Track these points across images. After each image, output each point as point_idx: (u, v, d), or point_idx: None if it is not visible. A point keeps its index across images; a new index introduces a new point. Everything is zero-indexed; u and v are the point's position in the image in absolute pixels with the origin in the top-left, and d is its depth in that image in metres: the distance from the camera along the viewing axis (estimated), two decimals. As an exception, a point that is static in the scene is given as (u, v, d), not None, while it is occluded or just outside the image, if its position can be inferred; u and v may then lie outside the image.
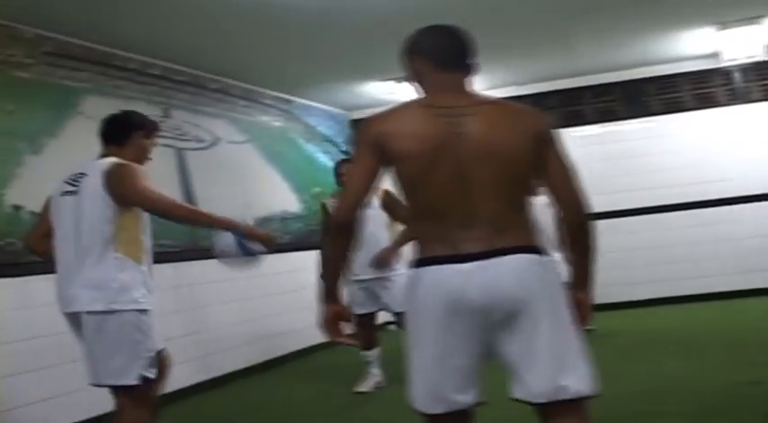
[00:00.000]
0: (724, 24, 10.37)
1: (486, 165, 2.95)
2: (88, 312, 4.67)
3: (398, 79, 10.54)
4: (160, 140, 8.55)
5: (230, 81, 10.26)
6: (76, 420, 7.05)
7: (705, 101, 12.22)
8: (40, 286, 6.39)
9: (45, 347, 6.82)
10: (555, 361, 2.92)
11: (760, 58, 11.34)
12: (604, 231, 11.88)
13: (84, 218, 4.76)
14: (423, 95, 3.17)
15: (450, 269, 2.93)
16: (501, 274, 2.91)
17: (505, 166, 2.96)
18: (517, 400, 3.01)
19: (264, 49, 9.05)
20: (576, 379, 2.94)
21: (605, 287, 11.78)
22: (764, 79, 12.04)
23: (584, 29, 9.94)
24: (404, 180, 3.04)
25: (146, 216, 4.99)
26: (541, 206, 10.30)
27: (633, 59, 11.80)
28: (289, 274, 10.28)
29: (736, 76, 12.10)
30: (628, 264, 12.10)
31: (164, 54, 8.80)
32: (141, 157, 5.15)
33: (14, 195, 6.91)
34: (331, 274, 3.17)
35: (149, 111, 8.39)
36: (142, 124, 5.18)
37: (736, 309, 10.78)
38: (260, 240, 4.98)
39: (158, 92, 8.90)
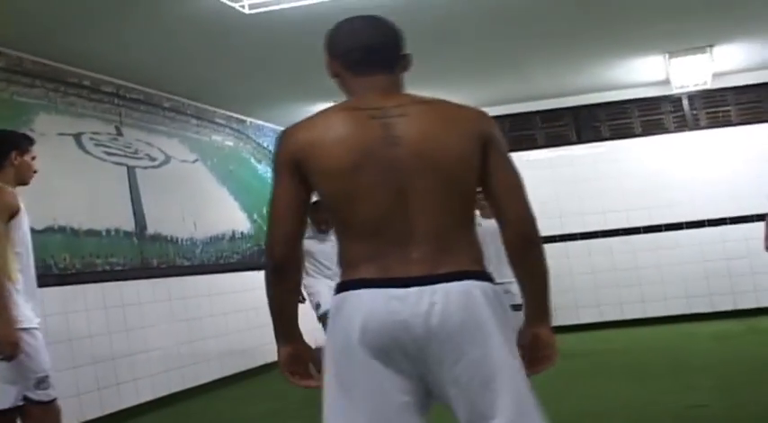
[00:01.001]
0: (673, 53, 10.55)
1: (423, 173, 2.51)
2: None
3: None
4: (112, 158, 8.63)
5: (183, 100, 10.25)
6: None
7: (654, 127, 12.38)
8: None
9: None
10: (520, 402, 2.49)
11: (708, 85, 11.51)
12: (552, 255, 12.05)
13: None
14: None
15: (383, 294, 2.47)
16: (446, 303, 2.45)
17: (446, 174, 2.53)
18: None
19: (218, 68, 9.06)
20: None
21: (553, 310, 11.92)
22: (712, 106, 12.22)
23: (536, 55, 10.04)
24: (329, 194, 2.58)
25: (21, 232, 4.86)
26: (496, 228, 10.23)
27: (584, 85, 11.93)
28: (236, 294, 10.25)
29: (685, 103, 12.27)
30: (574, 287, 12.20)
31: (117, 72, 8.77)
32: (25, 176, 5.04)
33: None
34: (277, 317, 2.72)
35: (102, 128, 8.41)
36: (16, 143, 5.06)
37: (681, 333, 10.89)
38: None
39: (111, 109, 8.86)
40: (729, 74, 11.74)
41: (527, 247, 2.65)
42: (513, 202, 2.63)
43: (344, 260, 2.62)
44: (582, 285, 12.24)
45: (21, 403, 4.68)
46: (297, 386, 2.76)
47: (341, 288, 2.58)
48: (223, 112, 11.15)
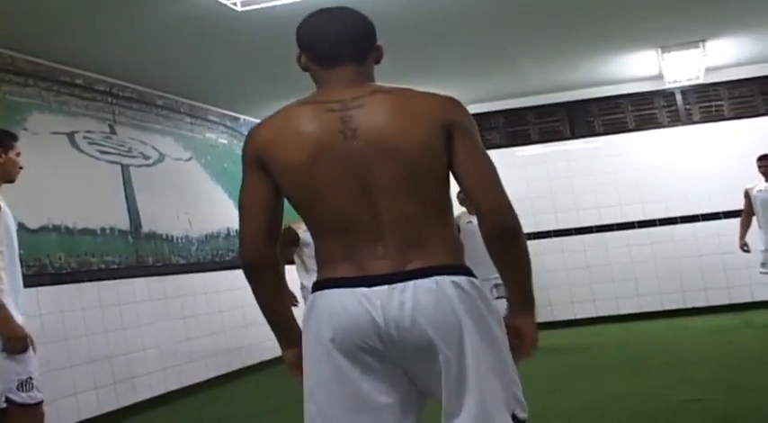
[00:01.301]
0: (666, 47, 10.57)
1: (383, 164, 2.42)
2: None
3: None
4: (106, 156, 8.62)
5: (177, 98, 10.25)
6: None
7: (648, 122, 12.41)
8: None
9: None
10: (484, 403, 2.40)
11: (701, 80, 11.54)
12: (547, 250, 12.06)
13: None
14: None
15: (354, 293, 2.41)
16: (417, 301, 2.38)
17: (408, 163, 2.43)
18: None
19: (211, 66, 9.06)
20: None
21: (549, 305, 11.98)
22: (705, 101, 12.24)
23: (530, 50, 10.05)
24: (291, 191, 2.53)
25: (3, 230, 4.82)
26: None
27: (578, 81, 11.96)
28: (232, 292, 10.26)
29: (678, 97, 12.29)
30: (571, 282, 12.24)
31: (110, 70, 8.76)
32: (11, 173, 5.00)
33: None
34: (269, 319, 2.67)
35: (95, 127, 8.41)
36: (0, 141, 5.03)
37: (677, 327, 10.90)
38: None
39: (104, 108, 8.86)
40: (722, 68, 11.78)
41: (504, 238, 2.52)
42: (486, 193, 2.51)
43: (318, 259, 2.57)
44: (577, 280, 12.26)
45: (4, 405, 4.64)
46: None
47: (314, 288, 2.53)
48: (217, 109, 11.15)
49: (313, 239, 2.59)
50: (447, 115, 2.49)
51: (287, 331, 2.69)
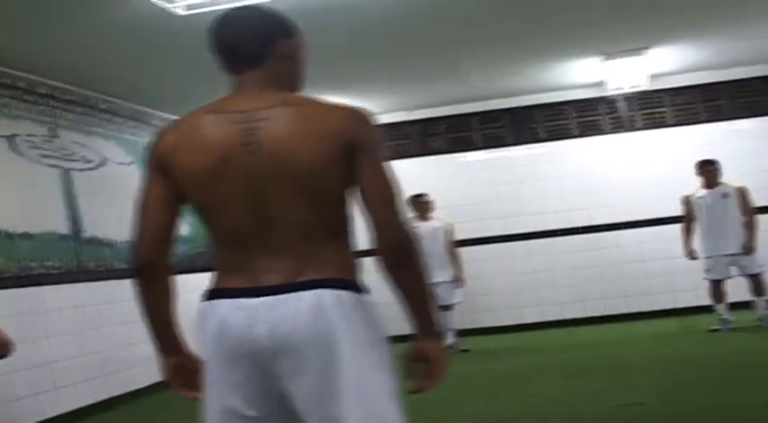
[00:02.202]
0: (609, 55, 10.64)
1: (281, 180, 2.42)
2: None
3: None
4: (47, 160, 8.52)
5: (119, 101, 10.14)
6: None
7: (591, 128, 12.49)
8: None
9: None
10: (368, 404, 2.40)
11: (644, 87, 11.64)
12: (494, 256, 12.11)
13: None
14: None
15: (237, 304, 2.43)
16: (295, 313, 2.38)
17: (303, 181, 2.42)
18: None
19: (154, 69, 8.99)
20: None
21: (494, 310, 12.02)
22: (648, 108, 12.36)
23: (473, 56, 10.07)
24: (193, 200, 2.52)
25: None
26: (431, 230, 10.33)
27: (521, 87, 11.99)
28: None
29: (621, 104, 12.39)
30: (516, 287, 12.28)
31: (52, 73, 8.67)
32: None
33: None
34: (151, 325, 2.64)
35: (37, 130, 8.31)
36: None
37: (621, 332, 10.99)
38: None
39: (46, 111, 8.75)
40: (665, 76, 11.88)
41: (397, 259, 2.48)
42: (381, 212, 2.47)
43: (214, 267, 2.57)
44: (522, 285, 12.30)
45: None
46: (185, 399, 2.67)
47: (204, 297, 2.55)
48: (159, 113, 11.05)
49: (214, 247, 2.58)
50: (351, 131, 2.46)
51: (169, 339, 2.66)
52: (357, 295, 2.47)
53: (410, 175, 12.15)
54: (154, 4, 6.89)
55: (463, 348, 10.36)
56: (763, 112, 12.18)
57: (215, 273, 2.55)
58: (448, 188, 12.14)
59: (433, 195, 10.56)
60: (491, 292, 12.01)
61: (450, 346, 10.32)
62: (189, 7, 7.01)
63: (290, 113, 2.45)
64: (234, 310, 2.42)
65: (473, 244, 11.60)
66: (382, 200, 2.46)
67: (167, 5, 6.95)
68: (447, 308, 10.19)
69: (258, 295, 2.41)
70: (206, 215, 2.52)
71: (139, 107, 10.60)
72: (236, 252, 2.49)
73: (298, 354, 2.38)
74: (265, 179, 2.42)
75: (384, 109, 12.11)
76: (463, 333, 10.73)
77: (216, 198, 2.46)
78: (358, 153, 2.45)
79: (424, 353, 2.53)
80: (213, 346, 2.46)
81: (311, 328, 2.37)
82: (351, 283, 2.48)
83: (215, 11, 6.96)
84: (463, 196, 12.27)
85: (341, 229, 2.54)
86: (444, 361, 2.55)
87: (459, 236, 10.76)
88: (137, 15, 7.16)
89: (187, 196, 2.52)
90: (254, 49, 2.56)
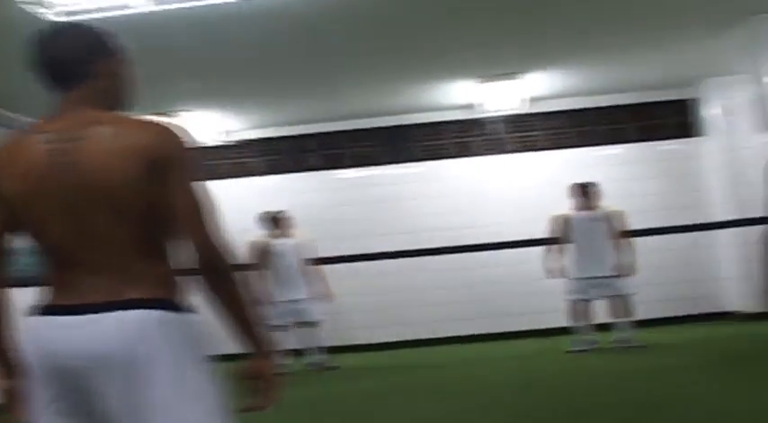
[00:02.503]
0: (484, 78, 10.82)
1: (95, 198, 2.42)
2: None
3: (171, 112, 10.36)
4: None
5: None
6: None
7: (465, 149, 12.64)
8: None
9: None
10: None
11: (517, 111, 11.84)
12: (362, 274, 12.07)
13: None
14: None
15: (53, 321, 2.42)
16: (103, 332, 2.37)
17: (115, 202, 2.42)
18: None
19: (20, 74, 8.80)
20: None
21: (358, 328, 12.01)
22: (521, 131, 12.57)
23: (347, 74, 10.14)
24: (23, 221, 2.52)
25: None
26: (291, 246, 10.29)
27: (397, 106, 12.10)
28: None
29: (495, 127, 12.57)
30: (383, 306, 12.35)
31: None
32: None
33: None
34: None
35: None
36: None
37: (486, 352, 11.13)
38: None
39: None
40: (539, 100, 12.08)
41: (213, 278, 2.48)
42: (194, 231, 2.46)
43: (44, 286, 2.54)
44: (390, 304, 12.37)
45: None
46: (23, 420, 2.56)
47: (27, 314, 2.52)
48: (25, 118, 10.83)
49: (46, 266, 2.56)
50: (158, 149, 2.45)
51: (4, 361, 2.57)
52: (177, 315, 2.46)
53: (284, 191, 12.15)
54: (21, 9, 6.82)
55: (331, 365, 10.33)
56: (625, 140, 12.55)
57: (43, 291, 2.52)
58: (319, 206, 12.20)
59: (304, 212, 10.55)
60: (358, 310, 12.05)
61: (314, 364, 10.34)
62: (60, 14, 6.91)
63: (103, 132, 2.45)
64: (50, 327, 2.42)
65: (341, 262, 11.50)
66: (191, 219, 2.46)
67: (42, 10, 6.85)
68: (310, 325, 10.20)
69: (77, 313, 2.40)
70: (33, 234, 2.52)
71: (4, 112, 10.37)
72: (63, 269, 2.49)
73: (104, 373, 2.36)
74: (80, 198, 2.42)
75: (253, 124, 12.09)
76: (333, 350, 10.73)
77: (39, 218, 2.47)
78: (168, 172, 2.44)
79: (254, 371, 2.54)
80: (32, 362, 2.44)
81: (120, 348, 2.35)
82: (170, 303, 2.46)
83: (88, 20, 6.95)
84: (334, 214, 12.24)
85: (159, 247, 2.53)
86: (274, 378, 2.55)
87: (329, 253, 10.70)
88: (7, 20, 7.09)
89: (17, 216, 2.51)
90: (74, 69, 2.56)
